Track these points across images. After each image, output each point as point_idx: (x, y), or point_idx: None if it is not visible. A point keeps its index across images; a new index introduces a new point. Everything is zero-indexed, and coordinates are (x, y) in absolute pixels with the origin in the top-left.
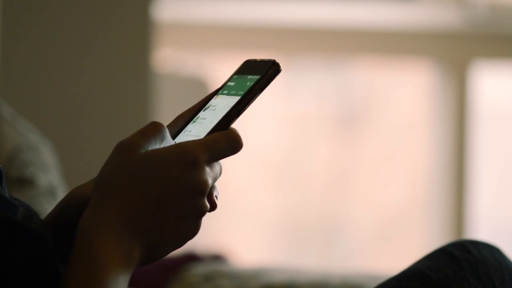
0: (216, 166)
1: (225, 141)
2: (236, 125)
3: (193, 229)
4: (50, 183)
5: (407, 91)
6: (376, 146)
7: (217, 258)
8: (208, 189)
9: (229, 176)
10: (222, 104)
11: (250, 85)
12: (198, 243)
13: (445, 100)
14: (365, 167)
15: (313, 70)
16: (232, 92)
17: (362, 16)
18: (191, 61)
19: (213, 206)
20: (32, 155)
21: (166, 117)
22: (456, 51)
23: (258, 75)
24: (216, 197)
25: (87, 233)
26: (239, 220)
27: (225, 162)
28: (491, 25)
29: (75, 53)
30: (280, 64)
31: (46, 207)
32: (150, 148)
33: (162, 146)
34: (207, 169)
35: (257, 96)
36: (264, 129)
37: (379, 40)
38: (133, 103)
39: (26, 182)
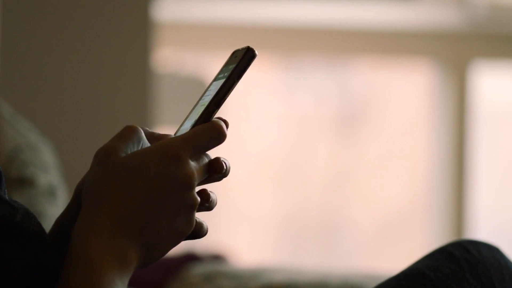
0: (204, 159)
1: (206, 133)
2: (237, 125)
3: (187, 224)
4: (50, 183)
5: (407, 91)
6: (376, 146)
7: (217, 258)
8: (195, 182)
9: (229, 176)
10: (207, 98)
11: (227, 75)
12: (198, 243)
13: (445, 100)
14: (365, 167)
15: (313, 70)
16: (217, 83)
17: (362, 16)
18: (191, 61)
19: (207, 199)
20: (32, 155)
21: (166, 117)
22: (456, 51)
23: (234, 64)
24: (213, 196)
25: (80, 240)
26: (239, 220)
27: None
28: (491, 25)
29: (75, 53)
30: (255, 49)
31: (46, 207)
32: (129, 150)
33: (139, 147)
34: (192, 163)
35: (235, 84)
36: (264, 129)
37: (379, 40)
38: (133, 103)
39: (26, 182)
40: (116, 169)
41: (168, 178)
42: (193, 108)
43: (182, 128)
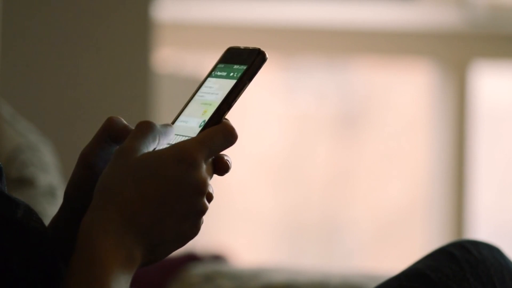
0: (210, 161)
1: (220, 136)
2: (237, 125)
3: (193, 229)
4: (50, 183)
5: (407, 91)
6: (376, 146)
7: (217, 258)
8: (207, 188)
9: (229, 177)
10: (212, 97)
11: (238, 76)
12: (198, 243)
13: (445, 100)
14: (365, 167)
15: (313, 70)
16: (221, 82)
17: (362, 16)
18: (191, 61)
19: (210, 200)
20: (32, 155)
21: (166, 117)
22: (456, 51)
23: (244, 65)
24: (211, 194)
25: (88, 236)
26: (239, 220)
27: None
28: (491, 25)
29: (75, 53)
30: (266, 52)
31: (46, 207)
32: (145, 149)
33: (156, 142)
34: (205, 167)
35: (246, 86)
36: (264, 129)
37: (379, 40)
38: (133, 103)
39: (26, 182)
40: (131, 168)
41: (183, 183)
42: (188, 104)
43: (180, 124)
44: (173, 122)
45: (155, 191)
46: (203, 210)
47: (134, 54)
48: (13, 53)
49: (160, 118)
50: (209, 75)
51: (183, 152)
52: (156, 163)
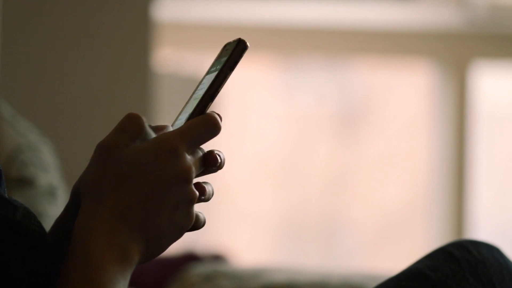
0: (198, 152)
1: (201, 126)
2: (236, 125)
3: (186, 218)
4: (50, 183)
5: (407, 91)
6: (376, 146)
7: (217, 258)
8: (193, 175)
9: (229, 176)
10: (201, 91)
11: (219, 67)
12: (198, 243)
13: (445, 100)
14: (365, 167)
15: (313, 70)
16: (210, 77)
17: (362, 16)
18: (191, 61)
19: (203, 192)
20: (32, 155)
21: (166, 117)
22: (456, 51)
23: (227, 56)
24: (208, 188)
25: (81, 236)
26: (239, 220)
27: (225, 162)
28: (491, 25)
29: (75, 53)
30: (246, 41)
31: (46, 207)
32: (130, 143)
33: (142, 137)
34: (188, 156)
35: (228, 76)
36: (264, 129)
37: (379, 40)
38: (133, 103)
39: (26, 182)
40: (115, 165)
41: (166, 173)
42: (187, 103)
43: (177, 122)
44: (175, 121)
45: (141, 186)
46: (192, 198)
47: (134, 54)
48: (13, 53)
49: (160, 118)
50: (207, 73)
51: (162, 143)
52: (138, 158)
